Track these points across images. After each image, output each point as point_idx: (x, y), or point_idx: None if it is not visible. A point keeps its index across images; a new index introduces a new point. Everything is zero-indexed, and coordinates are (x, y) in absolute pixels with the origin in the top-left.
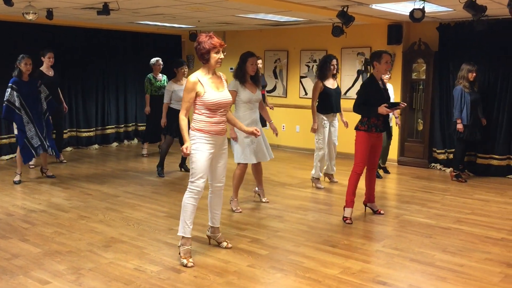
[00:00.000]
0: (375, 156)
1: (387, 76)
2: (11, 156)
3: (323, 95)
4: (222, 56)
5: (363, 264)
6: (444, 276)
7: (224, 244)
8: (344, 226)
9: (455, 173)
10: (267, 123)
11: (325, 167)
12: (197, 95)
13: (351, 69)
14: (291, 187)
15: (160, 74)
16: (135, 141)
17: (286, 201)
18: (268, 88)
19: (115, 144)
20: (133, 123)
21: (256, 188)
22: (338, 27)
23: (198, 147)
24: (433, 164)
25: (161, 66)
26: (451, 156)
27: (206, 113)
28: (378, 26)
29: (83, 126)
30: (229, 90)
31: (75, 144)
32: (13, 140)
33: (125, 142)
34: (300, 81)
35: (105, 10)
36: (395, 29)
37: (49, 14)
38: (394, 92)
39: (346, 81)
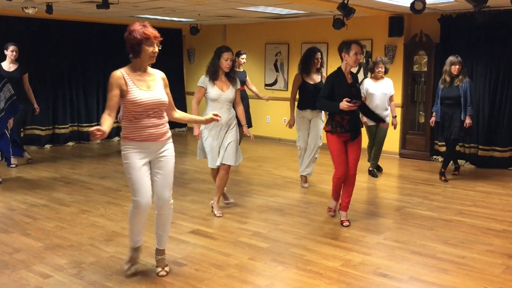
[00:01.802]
0: (350, 161)
1: (380, 69)
2: None
3: (302, 90)
4: (156, 49)
5: (364, 256)
6: (445, 268)
7: (159, 269)
8: None
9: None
10: (242, 126)
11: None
12: (121, 94)
13: None
14: (292, 180)
15: None
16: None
17: (287, 194)
18: (269, 82)
19: (116, 138)
20: None
21: (213, 201)
22: (339, 20)
23: (127, 158)
24: (434, 157)
25: None
26: None
27: (132, 116)
28: (379, 18)
29: (84, 121)
30: (197, 86)
31: (76, 139)
32: None
33: None
34: None
35: (104, 3)
36: (396, 21)
37: (49, 8)
38: (395, 86)
39: None
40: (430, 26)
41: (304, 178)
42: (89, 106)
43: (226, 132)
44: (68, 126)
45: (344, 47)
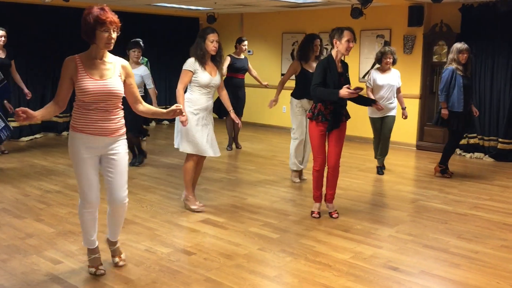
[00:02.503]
0: (331, 152)
1: (389, 60)
2: (31, 137)
3: (301, 78)
4: (113, 35)
5: (375, 249)
6: (457, 263)
7: (116, 259)
8: (357, 211)
9: (440, 168)
10: (229, 111)
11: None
12: (72, 81)
13: (370, 52)
14: (305, 171)
15: (141, 57)
16: (153, 124)
17: (300, 185)
18: (285, 71)
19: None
20: None
21: (184, 194)
22: (357, 9)
23: (74, 151)
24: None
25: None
26: (471, 141)
27: (82, 106)
28: (398, 8)
29: None
30: (184, 70)
31: None
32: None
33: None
34: None
35: None
36: (416, 10)
37: None
38: (413, 77)
39: (365, 64)
40: (450, 15)
41: (301, 172)
42: None
43: (211, 120)
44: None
45: (336, 33)
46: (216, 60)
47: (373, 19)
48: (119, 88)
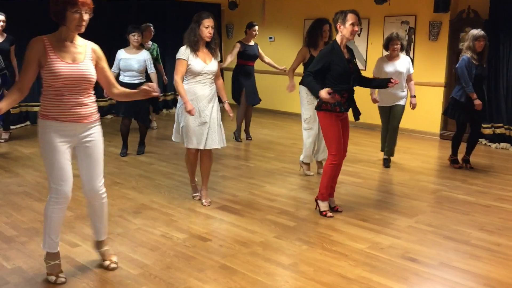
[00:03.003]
0: (344, 143)
1: (396, 46)
2: None
3: (309, 65)
4: (85, 17)
5: (393, 239)
6: (478, 255)
7: (107, 263)
8: (376, 200)
9: (452, 159)
10: (223, 102)
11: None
12: (40, 64)
13: None
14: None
15: (150, 42)
16: (174, 110)
17: (318, 174)
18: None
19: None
20: (172, 92)
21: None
22: None
23: (47, 140)
24: (478, 139)
25: (152, 33)
26: (497, 131)
27: (52, 92)
28: None
29: None
30: (177, 59)
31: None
32: None
33: (164, 111)
34: None
35: None
36: None
37: None
38: (438, 65)
39: None
40: (478, 1)
41: (320, 164)
42: None
43: (211, 110)
44: (107, 99)
45: (339, 17)
46: (211, 47)
47: (397, 5)
48: (92, 72)
